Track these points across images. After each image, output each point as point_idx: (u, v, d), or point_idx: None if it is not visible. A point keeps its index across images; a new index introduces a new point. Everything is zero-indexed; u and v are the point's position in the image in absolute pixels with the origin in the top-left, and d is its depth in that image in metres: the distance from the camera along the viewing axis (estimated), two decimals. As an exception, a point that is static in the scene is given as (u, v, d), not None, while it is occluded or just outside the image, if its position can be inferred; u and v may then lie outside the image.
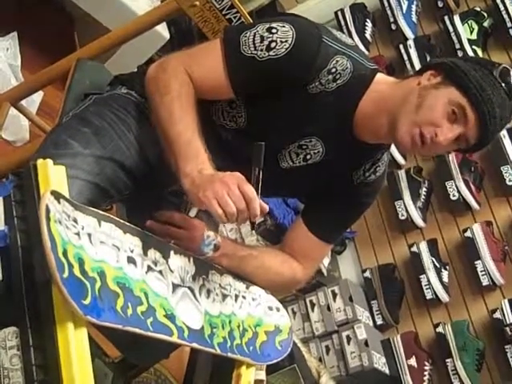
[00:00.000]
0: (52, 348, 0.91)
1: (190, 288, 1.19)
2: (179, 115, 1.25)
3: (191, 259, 1.24)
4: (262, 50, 1.29)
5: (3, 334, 0.93)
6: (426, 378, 2.61)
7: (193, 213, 1.34)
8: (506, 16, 2.93)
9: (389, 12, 3.18)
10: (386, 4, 3.19)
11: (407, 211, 2.85)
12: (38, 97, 2.56)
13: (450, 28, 3.02)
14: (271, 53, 1.28)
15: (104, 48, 1.94)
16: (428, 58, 2.99)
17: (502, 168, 2.75)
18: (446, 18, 3.05)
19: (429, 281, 2.70)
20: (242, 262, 1.38)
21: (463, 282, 2.75)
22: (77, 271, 0.93)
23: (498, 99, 1.27)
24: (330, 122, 1.36)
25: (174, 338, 1.07)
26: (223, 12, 1.84)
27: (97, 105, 1.41)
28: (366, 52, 3.09)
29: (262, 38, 1.29)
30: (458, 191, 2.79)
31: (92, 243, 1.00)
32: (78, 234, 0.98)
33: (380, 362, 2.62)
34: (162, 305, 1.08)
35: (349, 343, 2.64)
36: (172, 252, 1.20)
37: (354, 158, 1.43)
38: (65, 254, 0.91)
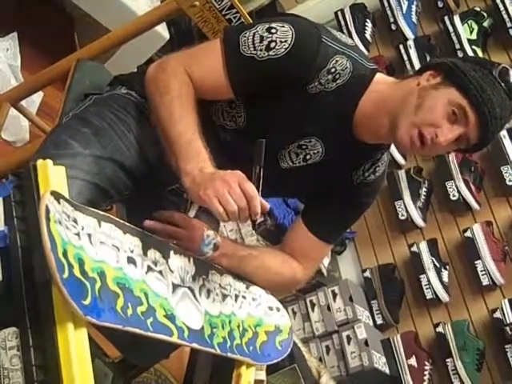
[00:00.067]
0: (52, 348, 0.91)
1: (190, 288, 1.19)
2: (179, 115, 1.25)
3: (191, 259, 1.24)
4: (261, 50, 1.29)
5: (3, 334, 0.93)
6: (426, 378, 2.61)
7: (192, 213, 1.34)
8: (505, 16, 2.93)
9: (389, 12, 3.17)
10: (385, 4, 3.19)
11: (407, 211, 2.85)
12: (37, 97, 2.56)
13: (450, 28, 3.02)
14: (271, 53, 1.28)
15: (104, 48, 1.94)
16: (428, 59, 2.99)
17: (502, 168, 2.75)
18: (445, 18, 3.05)
19: (429, 281, 2.70)
20: (241, 261, 1.38)
21: (463, 281, 2.75)
22: (77, 271, 0.93)
23: (498, 99, 1.27)
24: (330, 121, 1.36)
25: (174, 338, 1.07)
26: (223, 12, 1.84)
27: (97, 105, 1.41)
28: (366, 52, 3.09)
29: (262, 38, 1.29)
30: (458, 191, 2.79)
31: (92, 243, 1.00)
32: (77, 234, 0.98)
33: (380, 362, 2.62)
34: (162, 305, 1.08)
35: (349, 343, 2.64)
36: (172, 252, 1.20)
37: (354, 158, 1.43)
38: (65, 254, 0.92)
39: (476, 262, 2.66)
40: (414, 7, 3.14)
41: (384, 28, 3.25)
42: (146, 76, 1.34)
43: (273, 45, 1.28)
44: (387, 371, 2.65)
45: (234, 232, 2.77)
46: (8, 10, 2.69)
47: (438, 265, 2.73)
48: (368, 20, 3.23)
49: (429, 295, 2.70)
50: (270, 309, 1.40)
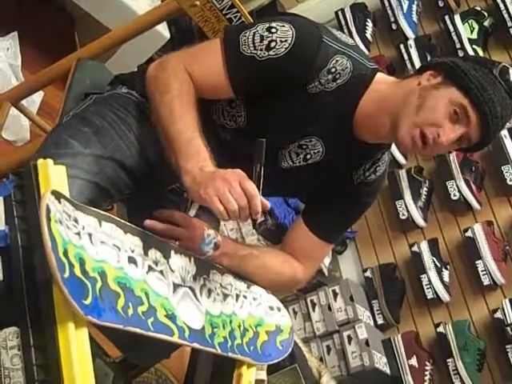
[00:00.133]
0: (53, 348, 0.91)
1: (190, 288, 1.19)
2: (180, 114, 1.25)
3: (192, 259, 1.24)
4: (261, 50, 1.28)
5: (4, 333, 0.93)
6: (426, 378, 2.61)
7: (192, 212, 1.34)
8: (506, 15, 2.92)
9: (389, 12, 3.17)
10: (386, 4, 3.18)
11: (408, 211, 2.85)
12: (38, 97, 2.56)
13: (451, 27, 3.02)
14: (271, 52, 1.28)
15: (104, 48, 1.94)
16: (429, 58, 2.98)
17: (502, 168, 2.75)
18: (446, 17, 3.05)
19: (430, 280, 2.70)
20: (242, 261, 1.38)
21: (464, 281, 2.74)
22: (77, 271, 0.93)
23: (499, 98, 1.27)
24: (330, 121, 1.36)
25: (175, 338, 1.07)
26: (224, 12, 1.84)
27: (97, 104, 1.41)
28: (367, 52, 3.09)
29: (262, 38, 1.29)
30: (459, 191, 2.78)
31: (93, 243, 1.00)
32: (78, 233, 0.98)
33: (381, 362, 2.62)
34: (163, 305, 1.08)
35: (350, 343, 2.64)
36: (173, 252, 1.20)
37: (354, 158, 1.42)
38: (65, 253, 0.91)
39: (477, 262, 2.66)
40: (414, 7, 3.13)
41: (384, 27, 3.24)
42: (147, 75, 1.34)
43: (273, 44, 1.28)
44: (388, 371, 2.64)
45: (235, 231, 2.77)
46: (8, 9, 2.69)
47: (438, 264, 2.73)
48: (368, 19, 3.23)
49: (429, 295, 2.70)
50: (271, 308, 1.40)
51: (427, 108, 1.28)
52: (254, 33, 1.30)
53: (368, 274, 2.89)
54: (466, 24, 3.00)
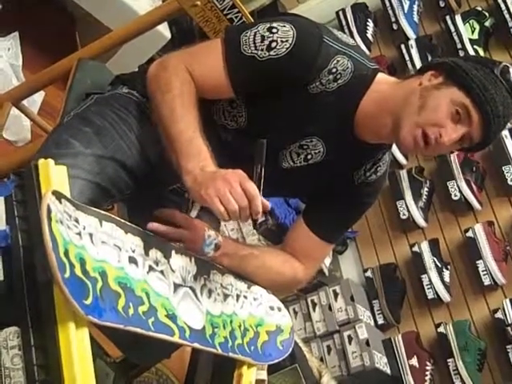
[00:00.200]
0: (53, 348, 0.91)
1: (191, 288, 1.19)
2: (181, 113, 1.25)
3: (193, 259, 1.24)
4: (262, 50, 1.28)
5: (5, 333, 0.94)
6: (427, 378, 2.61)
7: (194, 213, 1.34)
8: (507, 15, 2.92)
9: (390, 12, 3.17)
10: (387, 4, 3.18)
11: (409, 211, 2.85)
12: (39, 97, 2.56)
13: (452, 28, 3.02)
14: (272, 52, 1.28)
15: (105, 48, 1.94)
16: (430, 58, 2.98)
17: (503, 168, 2.74)
18: (447, 17, 3.05)
19: (430, 280, 2.70)
20: (242, 261, 1.38)
21: (465, 281, 2.74)
22: (78, 271, 0.93)
23: (501, 98, 1.27)
24: (331, 121, 1.36)
25: (176, 338, 1.07)
26: (224, 12, 1.84)
27: (98, 104, 1.41)
28: (368, 52, 3.08)
29: (263, 38, 1.29)
30: (460, 191, 2.78)
31: (93, 243, 1.00)
32: (79, 233, 0.98)
33: (381, 362, 2.62)
34: (164, 305, 1.08)
35: (350, 343, 2.64)
36: (173, 252, 1.20)
37: (355, 158, 1.42)
38: (66, 254, 0.91)
39: (477, 262, 2.65)
40: (415, 7, 3.13)
41: (385, 28, 3.24)
42: (148, 74, 1.34)
43: (274, 44, 1.28)
44: (388, 371, 2.64)
45: (236, 231, 2.77)
46: (9, 9, 2.69)
47: (439, 265, 2.73)
48: (369, 20, 3.23)
49: (430, 295, 2.70)
50: (272, 308, 1.40)
51: (429, 108, 1.28)
52: (255, 33, 1.30)
53: (368, 273, 2.89)
54: (467, 24, 3.00)
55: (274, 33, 1.29)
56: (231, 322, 1.25)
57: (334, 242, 1.54)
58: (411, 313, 2.81)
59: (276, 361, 1.33)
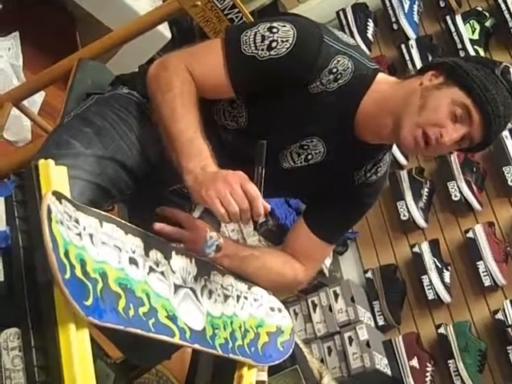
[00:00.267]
0: (54, 349, 0.90)
1: (191, 289, 1.19)
2: (181, 113, 1.25)
3: (193, 260, 1.24)
4: (262, 50, 1.28)
5: (5, 335, 0.93)
6: (427, 379, 2.61)
7: (197, 213, 1.34)
8: (507, 16, 2.92)
9: (390, 12, 3.17)
10: (387, 4, 3.18)
11: (409, 212, 2.85)
12: (39, 97, 2.56)
13: (452, 28, 3.02)
14: (272, 52, 1.28)
15: (106, 48, 1.94)
16: (430, 58, 2.98)
17: (503, 168, 2.75)
18: (447, 17, 3.05)
19: (430, 281, 2.70)
20: (243, 262, 1.38)
21: (465, 282, 2.74)
22: (78, 272, 0.93)
23: (502, 98, 1.27)
24: (332, 122, 1.36)
25: (176, 339, 1.07)
26: (225, 12, 1.84)
27: (98, 105, 1.41)
28: (368, 52, 3.08)
29: (263, 38, 1.29)
30: (460, 192, 2.78)
31: (94, 244, 1.00)
32: (79, 234, 0.98)
33: (382, 363, 2.62)
34: (164, 306, 1.08)
35: (351, 344, 2.63)
36: (174, 253, 1.20)
37: (356, 159, 1.42)
38: (66, 254, 0.91)
39: (478, 263, 2.66)
40: (415, 7, 3.13)
41: (386, 28, 3.24)
42: (148, 74, 1.34)
43: (274, 44, 1.28)
44: (389, 372, 2.64)
45: (236, 232, 2.77)
46: (10, 9, 2.69)
47: (439, 265, 2.72)
48: (370, 20, 3.23)
49: (430, 296, 2.70)
50: (272, 309, 1.40)
51: (429, 108, 1.28)
52: (256, 32, 1.30)
53: (369, 274, 2.89)
54: (468, 24, 3.00)
55: (274, 32, 1.29)
56: (232, 323, 1.25)
57: (334, 243, 1.53)
58: (411, 314, 2.81)
59: (276, 362, 1.33)
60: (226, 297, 1.29)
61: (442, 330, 2.64)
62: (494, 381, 2.57)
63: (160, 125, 1.28)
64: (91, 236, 1.00)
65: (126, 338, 1.03)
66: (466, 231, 2.74)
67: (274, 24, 1.30)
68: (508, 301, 2.56)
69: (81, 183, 1.22)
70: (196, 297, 1.19)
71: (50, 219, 0.91)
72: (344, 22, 3.26)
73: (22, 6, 2.81)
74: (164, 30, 2.86)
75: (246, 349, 1.25)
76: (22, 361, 0.92)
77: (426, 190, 2.87)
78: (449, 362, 2.59)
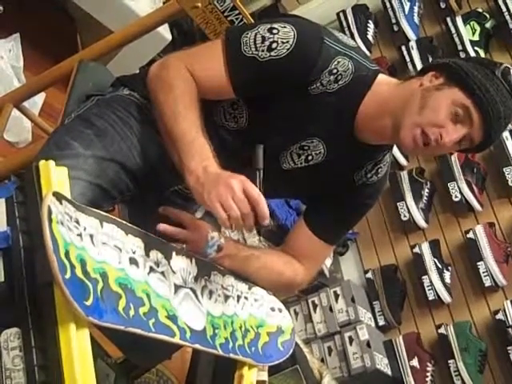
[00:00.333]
0: (54, 349, 0.91)
1: (192, 289, 1.19)
2: (183, 113, 1.25)
3: (193, 260, 1.24)
4: (263, 51, 1.28)
5: (5, 334, 0.94)
6: (428, 379, 2.61)
7: (199, 214, 1.34)
8: (508, 17, 2.92)
9: (391, 13, 3.17)
10: (388, 5, 3.18)
11: (409, 212, 2.85)
12: (40, 98, 2.56)
13: (453, 29, 3.02)
14: (272, 53, 1.28)
15: (106, 49, 1.94)
16: (430, 60, 2.98)
17: (504, 169, 2.75)
18: (448, 19, 3.05)
19: (431, 282, 2.70)
20: (244, 262, 1.38)
21: (465, 282, 2.75)
22: (79, 272, 0.93)
23: (502, 99, 1.27)
24: (332, 122, 1.36)
25: (176, 339, 1.07)
26: (225, 13, 1.84)
27: (99, 106, 1.41)
28: (368, 53, 3.09)
29: (263, 39, 1.29)
30: (461, 192, 2.78)
31: (94, 244, 1.00)
32: (80, 235, 0.98)
33: (382, 363, 2.62)
34: (164, 306, 1.08)
35: (351, 344, 2.64)
36: (174, 253, 1.20)
37: (356, 159, 1.42)
38: (67, 255, 0.92)
39: (478, 263, 2.66)
40: (416, 8, 3.13)
41: (386, 29, 3.24)
42: (149, 75, 1.34)
43: (274, 45, 1.28)
44: (389, 372, 2.64)
45: (237, 233, 2.77)
46: (10, 11, 2.69)
47: (440, 266, 2.73)
48: (370, 21, 3.23)
49: (431, 296, 2.70)
50: (272, 310, 1.40)
51: (429, 109, 1.28)
52: (256, 34, 1.30)
53: (369, 275, 2.89)
54: (468, 26, 3.00)
55: (274, 34, 1.29)
56: (232, 322, 1.25)
57: (334, 244, 1.54)
58: (412, 314, 2.81)
59: (277, 362, 1.33)
60: (227, 297, 1.29)
61: (442, 330, 2.65)
62: (495, 381, 2.57)
63: (161, 125, 1.28)
64: (91, 236, 1.01)
65: (127, 337, 1.03)
66: (467, 232, 2.74)
67: (275, 25, 1.30)
68: (508, 301, 2.56)
69: (81, 184, 1.22)
70: (196, 297, 1.19)
71: (50, 220, 0.91)
72: (344, 23, 3.26)
73: (22, 8, 2.82)
74: (164, 31, 2.86)
75: (247, 349, 1.25)
76: (23, 361, 0.92)
77: (427, 190, 2.87)
78: (449, 362, 2.59)
